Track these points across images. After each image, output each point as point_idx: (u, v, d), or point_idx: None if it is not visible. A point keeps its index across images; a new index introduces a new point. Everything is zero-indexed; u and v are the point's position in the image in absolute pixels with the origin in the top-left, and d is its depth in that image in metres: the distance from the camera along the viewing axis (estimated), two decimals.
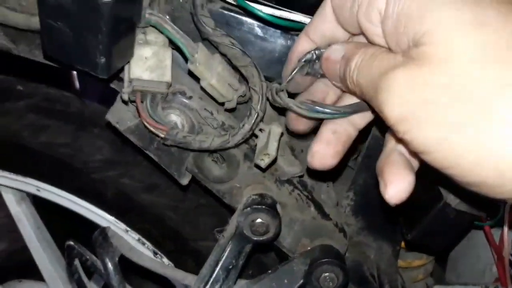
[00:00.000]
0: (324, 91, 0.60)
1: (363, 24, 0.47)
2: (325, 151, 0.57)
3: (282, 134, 0.69)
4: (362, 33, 0.49)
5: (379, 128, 0.77)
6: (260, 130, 0.68)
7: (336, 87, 0.57)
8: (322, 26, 0.54)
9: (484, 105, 0.37)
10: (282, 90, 0.60)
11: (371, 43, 0.50)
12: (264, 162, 0.65)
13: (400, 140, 0.47)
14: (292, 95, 0.61)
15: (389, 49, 0.47)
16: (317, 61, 0.57)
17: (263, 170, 0.70)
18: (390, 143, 0.53)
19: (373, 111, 0.53)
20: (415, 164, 0.52)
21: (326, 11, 0.53)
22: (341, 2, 0.50)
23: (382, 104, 0.42)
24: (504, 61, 0.37)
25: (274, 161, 0.67)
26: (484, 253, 0.98)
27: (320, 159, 0.56)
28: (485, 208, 0.72)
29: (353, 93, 0.52)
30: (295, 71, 0.58)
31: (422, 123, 0.40)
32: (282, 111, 0.71)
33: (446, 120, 0.38)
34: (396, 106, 0.41)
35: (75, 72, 1.89)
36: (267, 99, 0.64)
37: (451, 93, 0.38)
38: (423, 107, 0.39)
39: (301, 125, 0.61)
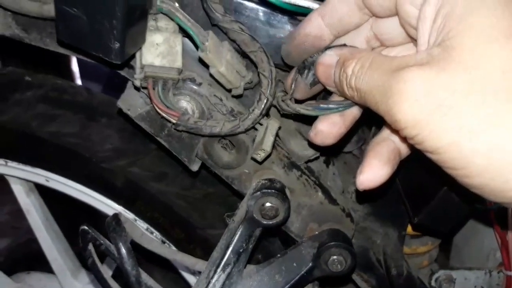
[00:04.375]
0: None
1: (402, 6, 0.47)
2: (329, 130, 0.58)
3: (279, 129, 0.71)
4: (396, 14, 0.49)
5: None
6: (260, 123, 0.69)
7: (332, 92, 0.58)
8: (340, 6, 0.53)
9: (499, 114, 0.38)
10: (290, 99, 0.62)
11: (403, 27, 0.50)
12: (260, 156, 0.67)
13: (404, 138, 0.46)
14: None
15: (413, 40, 0.47)
16: (311, 68, 0.59)
17: (260, 163, 0.72)
18: (385, 131, 0.55)
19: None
20: (405, 152, 0.55)
21: None
22: None
23: (394, 107, 0.42)
24: None
25: (269, 155, 0.69)
26: (487, 239, 1.00)
27: (323, 138, 0.58)
28: None
29: (349, 98, 0.53)
30: (294, 82, 0.60)
31: (435, 127, 0.40)
32: (289, 117, 0.73)
33: (460, 126, 0.39)
34: (410, 110, 0.41)
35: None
36: (275, 106, 0.66)
37: (468, 100, 0.39)
38: (439, 111, 0.40)
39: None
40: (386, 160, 0.52)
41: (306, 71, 0.60)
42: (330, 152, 0.85)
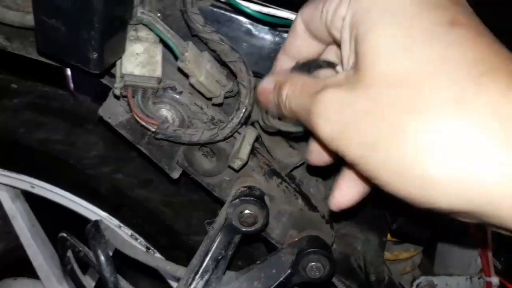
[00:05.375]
0: None
1: (330, 31, 0.50)
2: (321, 149, 0.59)
3: (257, 138, 0.72)
4: (334, 41, 0.51)
5: None
6: (238, 132, 0.71)
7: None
8: (296, 42, 0.57)
9: (395, 127, 0.39)
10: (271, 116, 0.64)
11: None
12: (236, 165, 0.69)
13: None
14: None
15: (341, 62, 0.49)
16: None
17: (237, 171, 0.73)
18: None
19: None
20: None
21: (297, 27, 0.55)
22: (311, 12, 0.52)
23: (314, 126, 0.46)
24: (419, 87, 0.39)
25: (246, 163, 0.71)
26: (470, 246, 1.01)
27: (318, 157, 0.59)
28: None
29: (290, 119, 0.55)
30: None
31: (347, 142, 0.43)
32: (276, 134, 0.74)
33: (363, 140, 0.41)
34: (325, 127, 0.44)
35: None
36: (258, 124, 0.67)
37: (369, 117, 0.41)
38: (347, 128, 0.42)
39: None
40: (356, 179, 0.52)
41: None
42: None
